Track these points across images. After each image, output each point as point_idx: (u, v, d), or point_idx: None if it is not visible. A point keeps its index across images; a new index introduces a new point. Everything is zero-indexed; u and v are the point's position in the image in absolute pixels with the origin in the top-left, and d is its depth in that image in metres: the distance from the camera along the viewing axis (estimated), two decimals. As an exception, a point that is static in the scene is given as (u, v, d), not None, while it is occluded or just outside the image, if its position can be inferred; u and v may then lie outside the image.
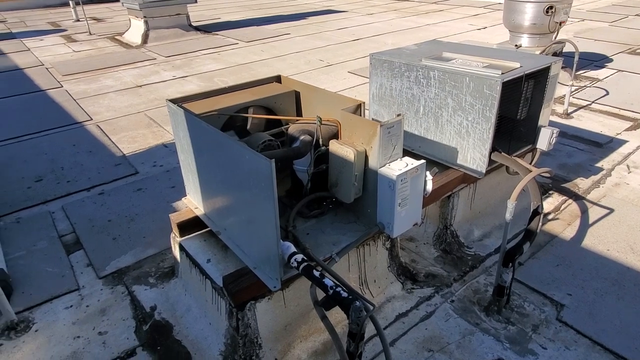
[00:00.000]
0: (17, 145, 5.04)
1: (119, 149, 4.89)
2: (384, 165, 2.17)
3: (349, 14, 12.93)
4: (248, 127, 2.56)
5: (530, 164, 3.19)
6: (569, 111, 5.41)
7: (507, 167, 3.25)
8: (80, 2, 12.41)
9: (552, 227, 3.37)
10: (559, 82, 3.36)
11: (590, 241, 3.19)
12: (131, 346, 2.48)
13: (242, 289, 2.09)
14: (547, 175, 2.80)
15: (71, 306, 2.76)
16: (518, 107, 2.98)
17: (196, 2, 10.83)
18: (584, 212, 3.54)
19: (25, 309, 2.74)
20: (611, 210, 3.53)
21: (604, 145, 4.63)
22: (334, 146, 2.26)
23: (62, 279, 2.98)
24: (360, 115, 2.38)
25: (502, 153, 2.91)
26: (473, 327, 2.54)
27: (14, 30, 12.07)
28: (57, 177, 4.33)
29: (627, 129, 4.98)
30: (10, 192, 4.08)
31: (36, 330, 2.59)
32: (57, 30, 11.99)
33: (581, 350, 2.37)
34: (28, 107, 6.24)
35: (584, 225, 3.37)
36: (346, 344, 1.74)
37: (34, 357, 2.42)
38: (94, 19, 13.52)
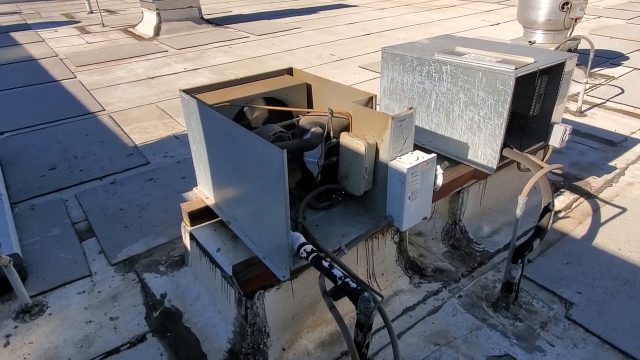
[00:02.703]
0: (32, 134, 5.12)
1: (131, 140, 4.94)
2: (394, 159, 2.17)
3: (361, 9, 12.86)
4: (251, 118, 2.55)
5: (542, 161, 3.16)
6: (582, 109, 5.34)
7: (518, 164, 3.23)
8: (94, -6, 12.50)
9: (562, 225, 3.35)
10: (573, 80, 3.31)
11: (602, 240, 3.17)
12: (141, 332, 2.53)
13: (251, 278, 2.11)
14: (559, 171, 2.78)
15: (84, 291, 2.82)
16: (531, 103, 2.95)
17: (208, -6, 10.84)
18: (596, 210, 3.50)
19: (39, 293, 2.80)
20: (624, 210, 3.49)
21: (618, 144, 4.57)
22: (345, 139, 2.27)
23: (75, 265, 3.03)
24: (372, 108, 2.37)
25: (514, 149, 2.89)
26: (480, 322, 2.54)
27: (29, 22, 12.21)
28: (71, 165, 4.40)
29: (642, 128, 4.91)
30: (24, 179, 4.16)
31: (50, 314, 2.65)
32: (71, 21, 12.10)
33: (590, 348, 2.36)
34: (42, 97, 6.32)
35: (596, 224, 3.34)
36: (354, 334, 1.76)
37: (47, 340, 2.48)
38: (108, 11, 13.61)
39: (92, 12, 13.17)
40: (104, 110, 5.82)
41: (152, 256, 3.12)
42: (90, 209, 3.67)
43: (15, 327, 2.57)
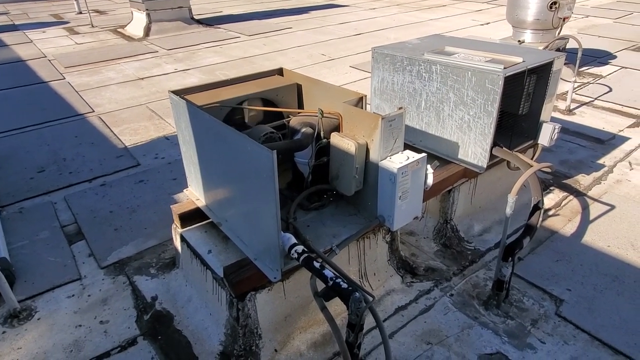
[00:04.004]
0: (20, 136, 5.05)
1: (121, 141, 4.90)
2: (385, 158, 2.18)
3: (352, 8, 12.87)
4: (246, 119, 2.56)
5: (532, 159, 3.18)
6: (571, 107, 5.40)
7: (508, 163, 3.25)
8: (83, -6, 12.37)
9: (552, 222, 3.38)
10: (561, 79, 3.34)
11: (591, 237, 3.20)
12: (132, 335, 2.50)
13: (242, 280, 2.10)
14: (548, 170, 2.80)
15: (73, 295, 2.78)
16: (520, 102, 2.97)
17: (199, -5, 10.78)
18: (585, 208, 3.54)
19: (27, 297, 2.76)
20: (612, 207, 3.53)
21: (606, 142, 4.63)
22: (335, 139, 2.26)
23: (64, 269, 3.00)
24: (362, 108, 2.38)
25: (504, 148, 2.91)
26: (472, 320, 2.55)
27: (16, 22, 12.05)
28: (60, 168, 4.35)
29: (630, 126, 4.97)
30: (13, 182, 4.10)
31: (38, 319, 2.61)
32: (59, 22, 11.97)
33: (580, 345, 2.39)
34: (30, 99, 6.24)
35: (585, 222, 3.37)
36: (345, 335, 1.76)
37: (36, 345, 2.44)
38: (96, 11, 13.48)
39: (81, 13, 13.04)
40: (94, 111, 5.76)
41: (142, 259, 3.10)
42: (80, 212, 3.63)
43: (3, 332, 2.53)
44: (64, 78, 7.14)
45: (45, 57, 8.43)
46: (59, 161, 4.48)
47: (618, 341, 2.39)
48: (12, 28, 11.26)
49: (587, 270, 2.89)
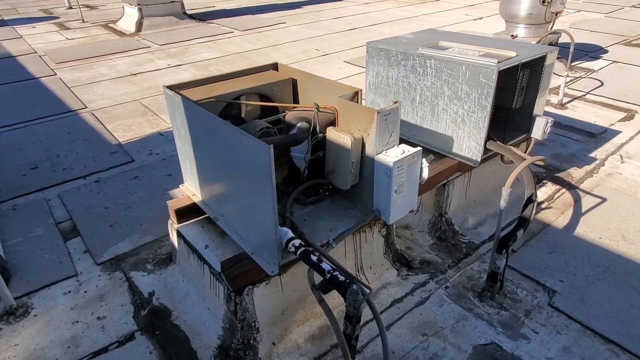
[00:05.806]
0: (12, 133, 5.00)
1: (115, 137, 4.87)
2: (380, 152, 2.19)
3: (345, 3, 12.84)
4: (243, 115, 2.56)
5: (525, 153, 3.22)
6: (563, 101, 5.44)
7: (501, 156, 3.28)
8: (73, -11, 12.21)
9: (545, 215, 3.42)
10: (554, 73, 3.38)
11: (583, 229, 3.25)
12: (130, 331, 2.51)
13: (240, 274, 2.11)
14: (541, 163, 2.83)
15: (69, 292, 2.78)
16: (513, 96, 3.00)
17: (191, -11, 10.69)
18: (577, 201, 3.59)
19: (23, 294, 2.75)
20: (604, 200, 3.58)
21: (598, 135, 4.68)
22: (331, 133, 2.27)
23: (59, 265, 2.99)
24: (358, 103, 2.39)
25: (497, 142, 2.94)
26: (467, 312, 2.59)
27: (5, 18, 11.88)
28: (53, 164, 4.32)
29: (621, 120, 5.03)
30: (5, 179, 4.07)
31: (35, 315, 2.61)
32: (49, 17, 11.81)
33: (572, 334, 2.43)
34: (22, 95, 6.18)
35: (577, 214, 3.42)
36: (343, 327, 1.78)
37: (33, 341, 2.44)
38: (87, 6, 13.32)
39: (71, 8, 12.87)
40: (86, 107, 5.72)
41: (139, 255, 3.10)
42: (74, 208, 3.62)
43: (0, 329, 2.52)
44: (55, 74, 7.06)
45: (36, 52, 8.33)
46: (52, 158, 4.44)
47: (609, 330, 2.44)
48: (1, 23, 11.10)
49: (580, 262, 2.93)
